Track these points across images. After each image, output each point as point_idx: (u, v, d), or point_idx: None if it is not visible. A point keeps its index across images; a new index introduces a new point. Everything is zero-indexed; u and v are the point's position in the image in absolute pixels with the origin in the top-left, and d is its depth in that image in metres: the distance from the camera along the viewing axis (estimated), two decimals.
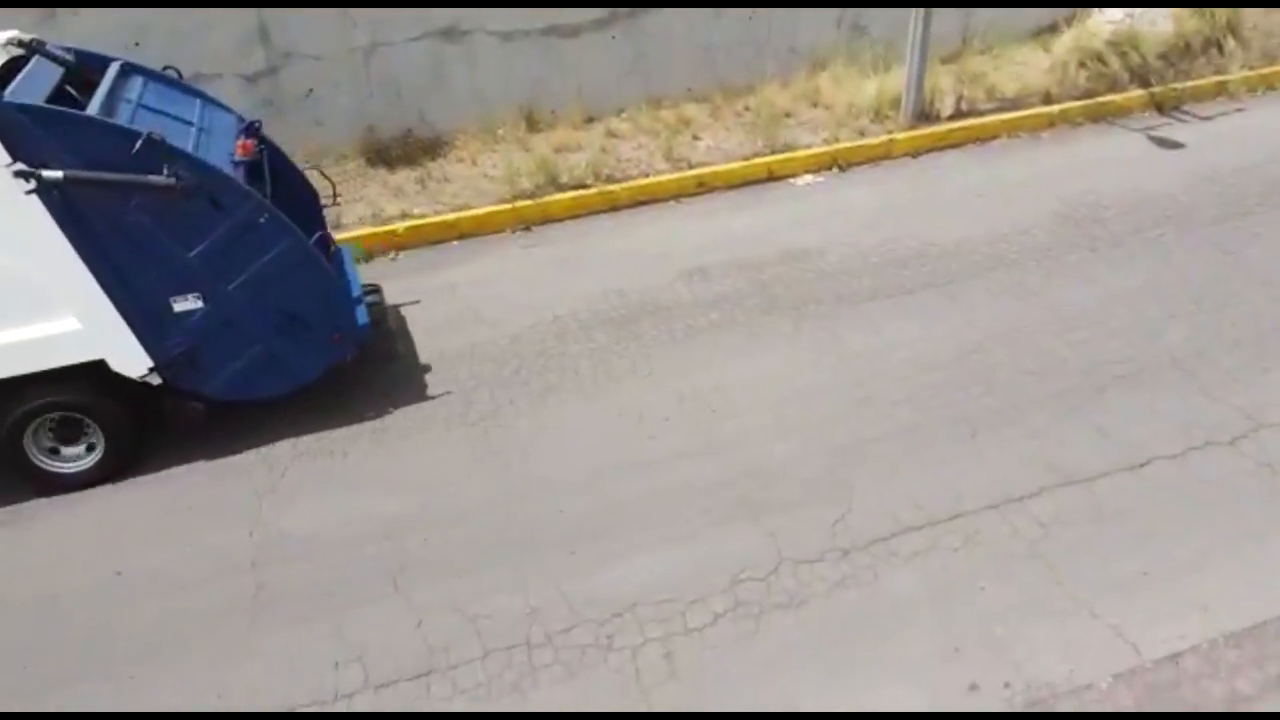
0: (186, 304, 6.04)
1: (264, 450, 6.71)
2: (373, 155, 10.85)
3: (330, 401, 7.02)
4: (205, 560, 5.84)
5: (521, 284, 8.66)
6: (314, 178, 7.92)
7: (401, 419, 6.94)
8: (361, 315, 6.80)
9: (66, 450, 6.30)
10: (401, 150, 10.88)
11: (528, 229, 9.74)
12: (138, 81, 6.83)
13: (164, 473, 6.55)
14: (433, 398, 7.14)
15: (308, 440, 6.78)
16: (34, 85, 5.97)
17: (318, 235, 6.64)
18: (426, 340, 7.85)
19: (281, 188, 7.11)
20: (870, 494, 5.87)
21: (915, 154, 10.66)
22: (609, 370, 7.30)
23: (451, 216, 9.65)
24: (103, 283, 5.76)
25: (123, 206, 5.65)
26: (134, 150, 5.54)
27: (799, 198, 9.97)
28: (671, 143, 10.63)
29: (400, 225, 9.53)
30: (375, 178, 10.54)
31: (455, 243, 9.60)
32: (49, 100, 5.86)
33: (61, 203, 5.51)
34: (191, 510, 6.26)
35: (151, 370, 6.08)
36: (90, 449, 6.32)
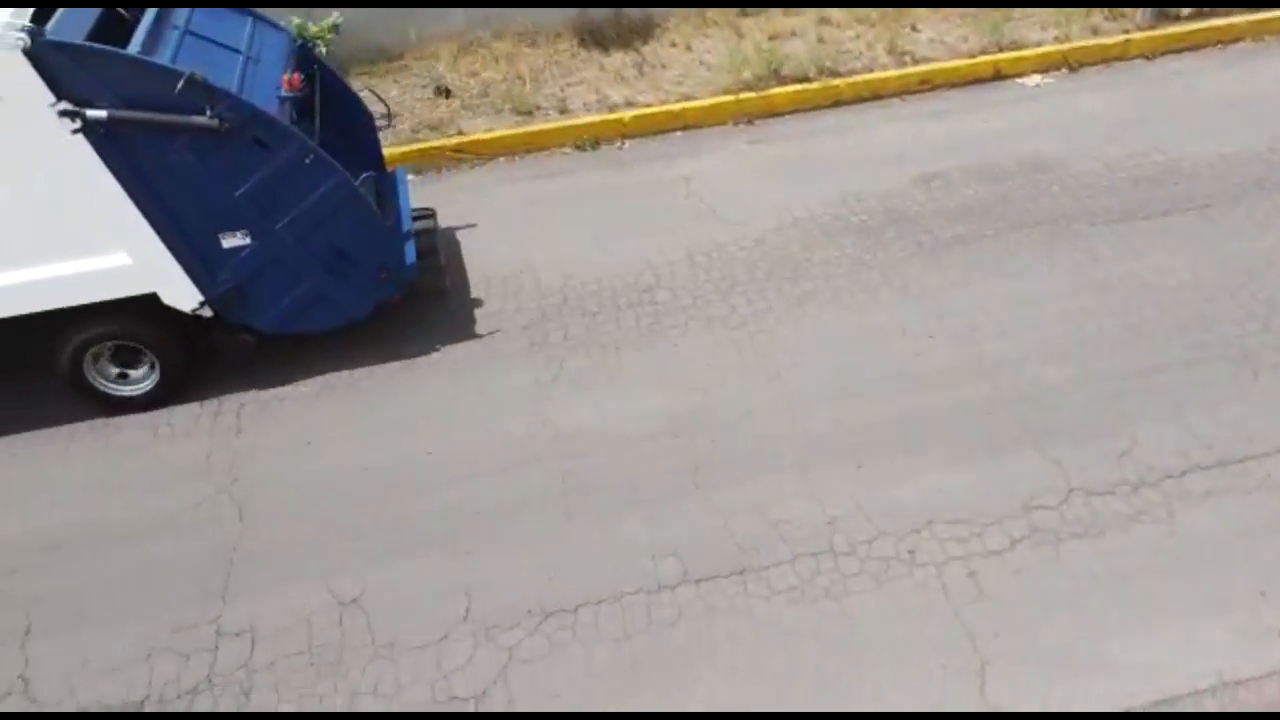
0: (235, 240, 6.11)
1: (538, 340, 7.06)
2: (585, 36, 10.81)
3: (590, 303, 7.33)
4: (507, 447, 6.26)
5: (755, 183, 8.70)
6: (369, 100, 7.76)
7: (665, 318, 7.19)
8: (410, 253, 6.87)
9: (132, 374, 6.58)
10: (615, 32, 10.80)
11: (750, 122, 9.70)
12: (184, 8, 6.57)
13: (450, 356, 6.97)
14: (692, 298, 7.35)
15: (578, 334, 7.10)
16: (74, 22, 5.74)
17: (364, 177, 6.64)
18: (670, 238, 8.01)
19: (334, 112, 7.14)
20: (1154, 428, 5.96)
21: (1151, 56, 10.20)
22: (861, 281, 7.39)
23: (677, 107, 9.65)
24: (151, 220, 5.86)
25: (167, 146, 5.69)
26: (176, 90, 5.52)
27: (1030, 100, 9.68)
28: (893, 34, 10.33)
29: (627, 114, 9.58)
30: (590, 60, 10.54)
31: (679, 133, 9.62)
32: (91, 37, 5.70)
33: (107, 142, 5.56)
34: (484, 396, 6.67)
35: (202, 304, 6.23)
36: (148, 373, 6.59)
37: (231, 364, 6.75)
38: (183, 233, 5.96)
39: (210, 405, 6.75)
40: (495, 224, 8.41)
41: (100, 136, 5.53)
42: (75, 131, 5.47)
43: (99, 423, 6.66)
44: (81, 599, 5.54)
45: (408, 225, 7.10)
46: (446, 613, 5.31)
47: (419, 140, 9.41)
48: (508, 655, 5.09)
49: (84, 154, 5.54)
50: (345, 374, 6.90)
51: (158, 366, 6.51)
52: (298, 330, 6.65)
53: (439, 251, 7.48)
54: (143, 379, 6.59)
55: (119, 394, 6.58)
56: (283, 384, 6.84)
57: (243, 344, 6.59)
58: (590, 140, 9.47)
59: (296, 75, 6.54)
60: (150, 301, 6.13)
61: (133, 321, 6.26)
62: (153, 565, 5.69)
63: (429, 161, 9.30)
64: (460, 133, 9.47)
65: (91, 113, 5.45)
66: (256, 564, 5.66)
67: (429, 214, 7.74)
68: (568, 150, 9.49)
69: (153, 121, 5.58)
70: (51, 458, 6.45)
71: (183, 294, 6.14)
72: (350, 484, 6.12)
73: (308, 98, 6.75)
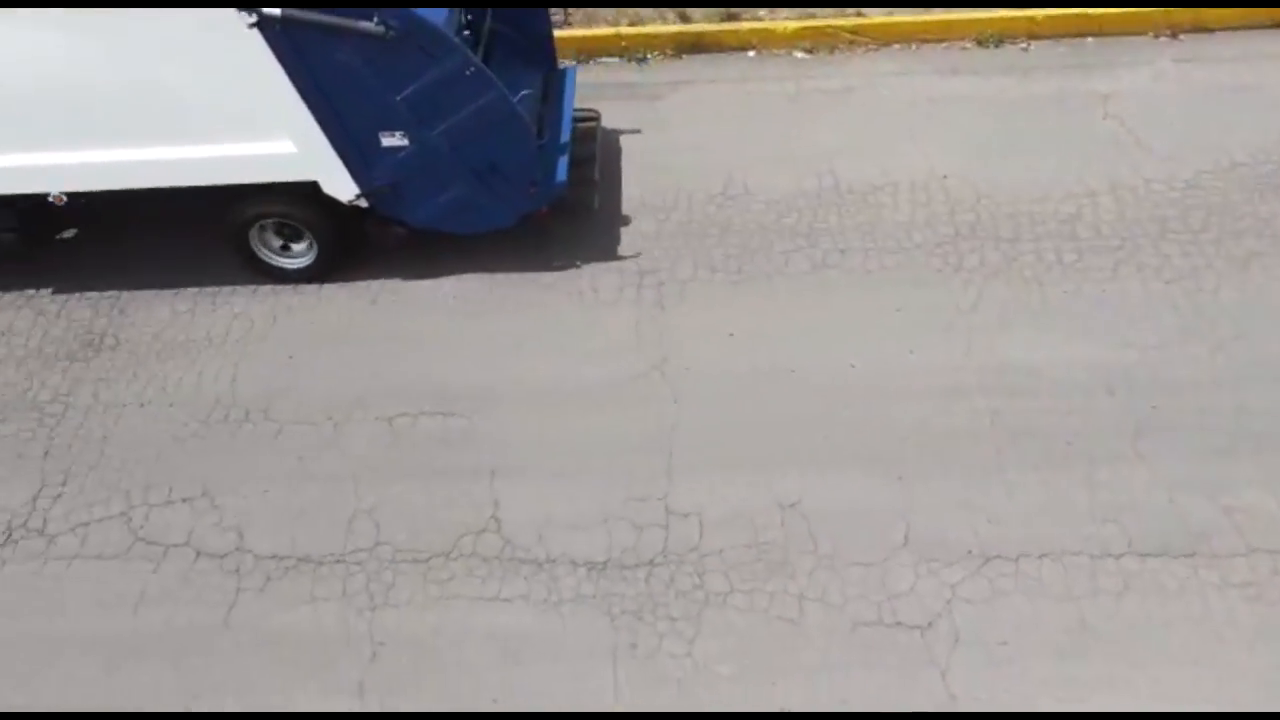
0: (393, 140, 6.31)
1: (953, 261, 6.92)
2: None
3: (1005, 228, 7.06)
4: (930, 372, 6.26)
5: (1185, 111, 8.03)
6: None
7: (1089, 256, 6.86)
8: (561, 169, 6.87)
9: (294, 248, 6.99)
10: None
11: (1174, 36, 8.85)
12: None
13: (865, 264, 6.94)
14: (1119, 239, 6.96)
15: (994, 260, 6.90)
16: None
17: (522, 95, 6.68)
18: (1088, 166, 7.55)
19: (507, 16, 7.27)
20: None
21: None
22: None
23: (1095, 11, 8.88)
24: (316, 114, 6.12)
25: (335, 47, 5.86)
26: None
27: None
28: None
29: (1039, 13, 8.90)
30: None
31: (1090, 39, 8.91)
32: None
33: (280, 38, 5.77)
34: (902, 313, 6.64)
35: (358, 196, 6.50)
36: (307, 250, 6.98)
37: (382, 252, 7.06)
38: (345, 129, 6.26)
39: (631, 275, 7.00)
40: (895, 120, 8.13)
41: (274, 32, 5.78)
42: (251, 25, 5.72)
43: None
44: (542, 452, 6.01)
45: (566, 135, 7.15)
46: (886, 535, 5.49)
47: (812, 18, 9.08)
48: (950, 591, 5.25)
49: (258, 47, 5.81)
50: (760, 268, 6.98)
51: (315, 245, 6.95)
52: (446, 230, 6.85)
53: (595, 161, 7.38)
54: (302, 254, 7.05)
55: (279, 265, 7.08)
56: (695, 268, 7.00)
57: (395, 235, 6.88)
58: (994, 37, 8.90)
59: None
60: (312, 188, 6.52)
61: (295, 204, 6.72)
62: (602, 432, 6.08)
63: (824, 40, 8.99)
64: (859, 13, 9.07)
65: (267, 10, 5.68)
66: (696, 449, 5.97)
67: (592, 117, 7.59)
68: (967, 45, 8.97)
69: (322, 23, 5.78)
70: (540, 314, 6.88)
71: (341, 185, 6.48)
72: (776, 384, 6.29)
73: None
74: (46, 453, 6.29)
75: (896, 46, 9.02)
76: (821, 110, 8.28)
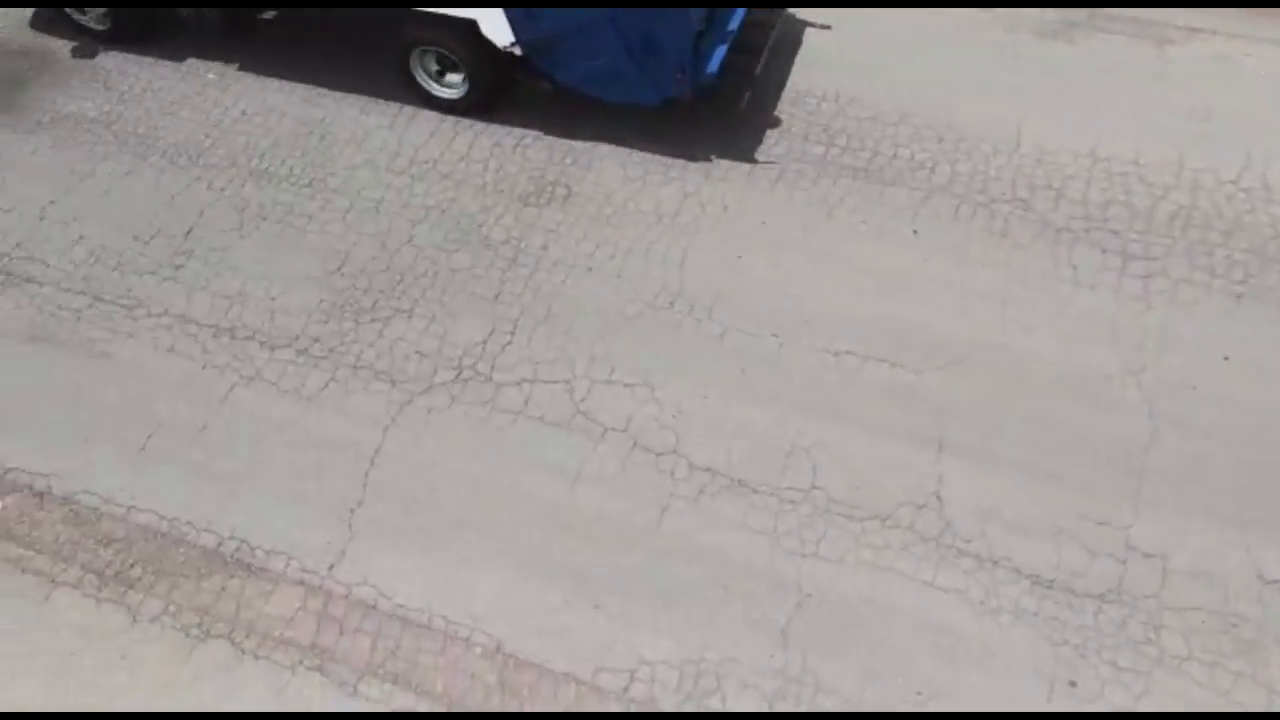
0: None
1: None
2: None
3: None
4: None
5: None
6: None
7: None
8: (714, 62, 6.73)
9: (449, 77, 7.33)
10: None
11: None
12: None
13: None
14: None
15: None
16: None
17: None
18: None
19: None
20: None
21: None
22: None
23: None
24: None
25: None
26: None
27: None
28: None
29: None
30: None
31: None
32: None
33: None
34: None
35: (513, 44, 6.77)
36: (460, 83, 7.31)
37: (528, 100, 7.22)
38: None
39: (1114, 258, 6.28)
40: None
41: None
42: None
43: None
44: (997, 436, 5.62)
45: (734, 25, 6.95)
46: None
47: None
48: None
49: None
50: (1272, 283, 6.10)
51: (468, 81, 7.26)
52: (590, 94, 6.92)
53: (763, 55, 7.01)
54: (455, 86, 7.37)
55: (433, 92, 7.44)
56: (1192, 270, 6.20)
57: (541, 88, 7.03)
58: None
59: None
60: (471, 26, 6.83)
61: (456, 39, 7.03)
62: (1063, 428, 5.61)
63: None
64: None
65: None
66: (1170, 481, 5.42)
67: (771, 21, 7.17)
68: None
69: None
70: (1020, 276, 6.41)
71: (499, 30, 6.77)
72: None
73: None
74: (497, 295, 6.45)
75: None
76: None
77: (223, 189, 7.20)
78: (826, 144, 6.95)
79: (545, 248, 6.65)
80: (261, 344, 6.37)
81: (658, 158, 7.00)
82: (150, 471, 5.93)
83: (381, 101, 7.56)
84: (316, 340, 6.35)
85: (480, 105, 7.37)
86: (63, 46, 8.22)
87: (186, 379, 6.27)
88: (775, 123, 7.09)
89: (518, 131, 7.27)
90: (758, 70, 7.02)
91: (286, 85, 7.74)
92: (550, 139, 7.19)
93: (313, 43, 7.84)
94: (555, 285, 6.46)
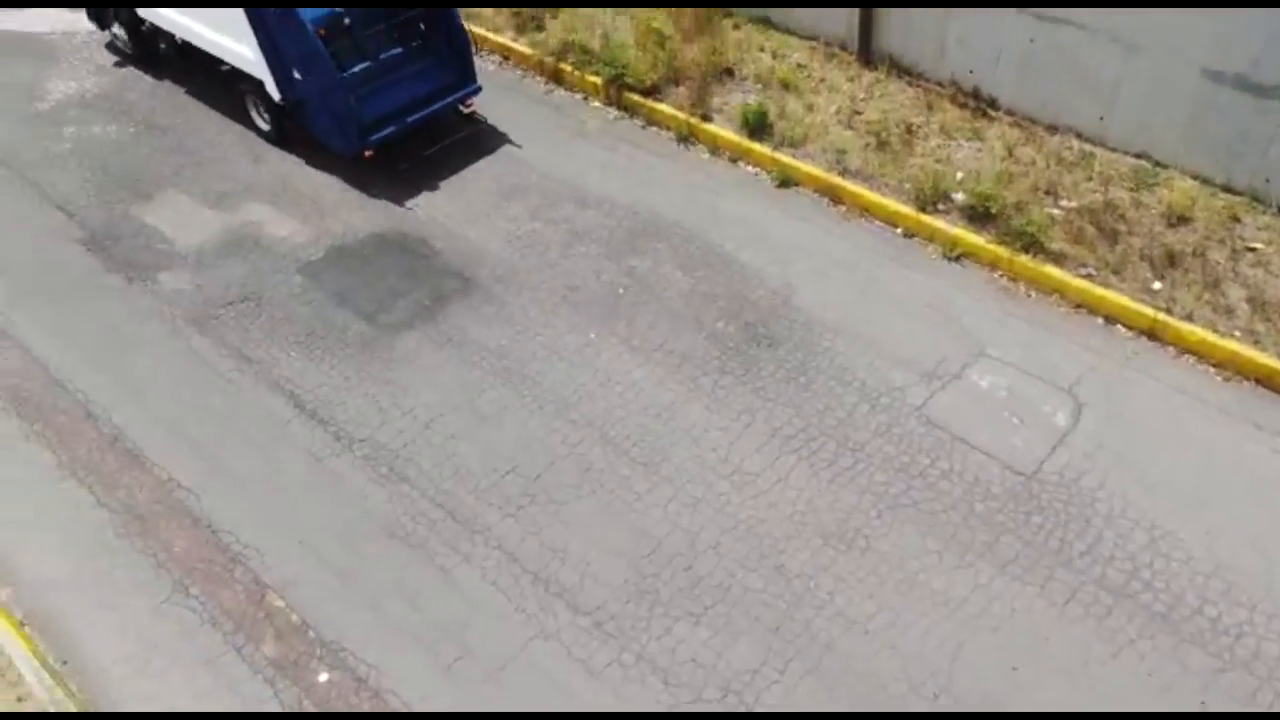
0: (297, 75, 10.80)
1: None
2: None
3: None
4: None
5: None
6: None
7: None
8: (374, 140, 10.89)
9: (264, 115, 11.92)
10: None
11: None
12: None
13: None
14: None
15: None
16: None
17: (358, 69, 11.03)
18: None
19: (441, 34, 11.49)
20: None
21: None
22: None
23: None
24: (261, 45, 10.75)
25: (266, 21, 10.63)
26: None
27: None
28: None
29: None
30: None
31: None
32: None
33: (251, 15, 10.58)
34: None
35: (283, 100, 11.12)
36: (269, 121, 11.92)
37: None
38: (279, 59, 10.82)
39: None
40: None
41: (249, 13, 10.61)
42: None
43: None
44: None
45: (410, 120, 11.14)
46: None
47: None
48: None
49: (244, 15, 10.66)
50: None
51: (270, 121, 11.90)
52: (325, 144, 11.28)
53: (436, 146, 11.75)
54: (266, 122, 11.93)
55: (257, 124, 12.02)
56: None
57: (297, 132, 11.71)
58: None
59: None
60: (262, 85, 11.20)
61: (258, 91, 11.46)
62: None
63: None
64: None
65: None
66: None
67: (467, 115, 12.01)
68: None
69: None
70: None
71: (273, 90, 11.09)
72: None
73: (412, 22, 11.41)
74: (778, 629, 6.98)
75: None
76: None
77: (575, 445, 8.33)
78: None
79: (831, 596, 7.14)
80: (567, 604, 7.26)
81: (958, 537, 7.37)
82: (448, 692, 6.89)
83: (723, 403, 8.48)
84: (613, 618, 7.16)
85: (278, 139, 11.88)
86: (487, 274, 9.93)
87: (499, 615, 7.24)
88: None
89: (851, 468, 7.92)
90: (426, 153, 11.59)
91: (650, 363, 8.88)
92: (865, 478, 7.78)
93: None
94: (831, 637, 6.91)
